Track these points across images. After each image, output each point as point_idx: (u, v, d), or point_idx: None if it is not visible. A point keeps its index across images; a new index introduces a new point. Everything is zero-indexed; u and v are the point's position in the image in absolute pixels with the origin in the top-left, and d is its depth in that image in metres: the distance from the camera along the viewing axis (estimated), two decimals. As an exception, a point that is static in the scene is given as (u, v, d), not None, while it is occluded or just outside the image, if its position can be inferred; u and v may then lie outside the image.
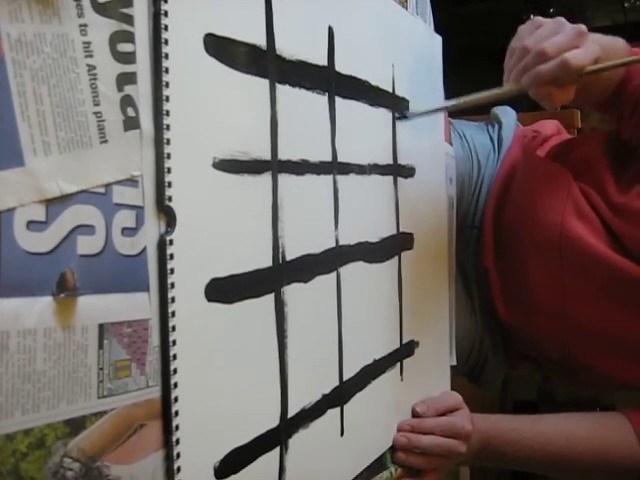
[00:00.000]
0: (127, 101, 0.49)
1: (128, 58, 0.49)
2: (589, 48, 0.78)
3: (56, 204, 0.44)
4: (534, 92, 0.80)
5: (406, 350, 0.93)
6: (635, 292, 0.96)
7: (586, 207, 1.00)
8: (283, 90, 0.66)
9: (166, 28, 0.51)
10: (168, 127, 0.51)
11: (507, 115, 1.24)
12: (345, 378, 0.77)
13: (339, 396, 0.76)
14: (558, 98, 0.81)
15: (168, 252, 0.51)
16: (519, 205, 1.08)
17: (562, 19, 0.80)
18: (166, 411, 0.52)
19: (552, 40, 0.78)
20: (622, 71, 0.95)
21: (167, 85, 0.51)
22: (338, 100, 0.75)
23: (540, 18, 0.82)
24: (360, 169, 0.80)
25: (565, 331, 1.04)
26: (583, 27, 0.79)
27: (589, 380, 1.14)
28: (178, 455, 0.52)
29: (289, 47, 0.67)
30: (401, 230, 0.91)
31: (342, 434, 0.77)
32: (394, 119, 0.89)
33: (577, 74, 0.78)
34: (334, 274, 0.75)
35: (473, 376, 1.22)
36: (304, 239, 0.69)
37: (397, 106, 0.90)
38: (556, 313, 1.03)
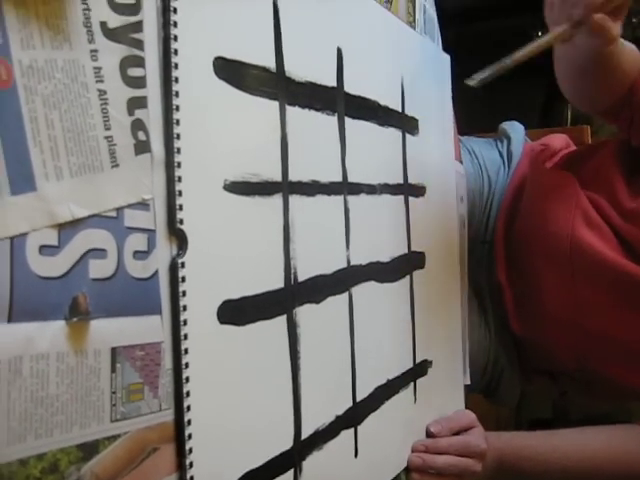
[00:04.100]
0: (138, 125, 0.49)
1: (138, 82, 0.49)
2: None
3: (68, 228, 0.44)
4: (591, 23, 0.80)
5: (419, 370, 0.93)
6: None
7: (595, 215, 1.00)
8: (293, 111, 0.66)
9: (176, 52, 0.52)
10: (179, 150, 0.52)
11: (515, 130, 1.24)
12: (359, 399, 0.76)
13: (353, 417, 0.76)
14: (614, 28, 0.82)
15: (180, 275, 0.51)
16: (528, 217, 1.08)
17: None
18: (179, 434, 0.51)
19: None
20: (632, 77, 0.96)
21: (177, 109, 0.52)
22: (348, 120, 0.76)
23: None
24: (370, 189, 0.80)
25: (580, 342, 1.03)
26: None
27: (606, 392, 1.14)
28: (192, 478, 0.52)
29: (298, 69, 0.67)
30: (412, 249, 0.91)
31: (356, 455, 0.76)
32: (404, 136, 0.89)
33: None
34: (346, 294, 0.74)
35: (489, 392, 1.21)
36: (316, 260, 0.69)
37: (406, 125, 0.90)
38: (570, 324, 1.03)
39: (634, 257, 0.96)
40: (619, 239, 0.98)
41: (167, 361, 0.51)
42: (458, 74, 1.08)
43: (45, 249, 0.43)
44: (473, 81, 0.86)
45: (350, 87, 0.76)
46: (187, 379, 0.52)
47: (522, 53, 0.85)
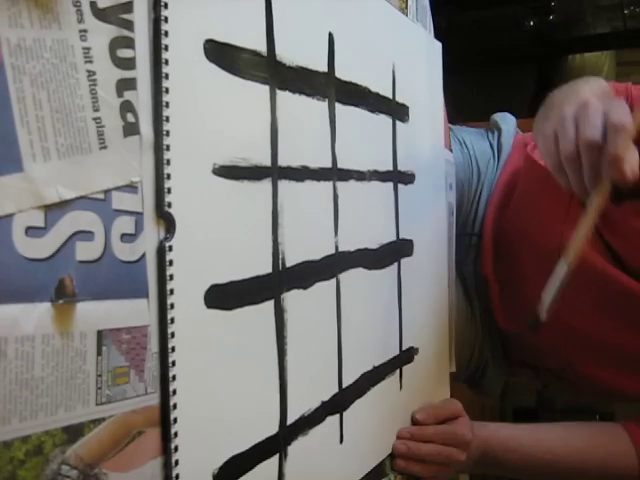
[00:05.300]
0: (127, 107, 0.49)
1: (128, 64, 0.49)
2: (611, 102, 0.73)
3: (55, 210, 0.44)
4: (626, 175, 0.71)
5: (406, 357, 0.93)
6: (631, 305, 0.96)
7: None
8: (283, 96, 0.66)
9: (166, 34, 0.51)
10: (168, 133, 0.51)
11: (507, 121, 1.24)
12: (344, 385, 0.76)
13: (338, 403, 0.76)
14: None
15: (167, 258, 0.51)
16: (520, 214, 1.08)
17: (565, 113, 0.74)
18: (165, 418, 0.51)
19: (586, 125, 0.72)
20: None
21: (167, 91, 0.51)
22: (338, 106, 0.75)
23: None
24: (360, 175, 0.80)
25: (563, 342, 1.04)
26: (583, 99, 0.73)
27: (587, 390, 1.14)
28: (177, 462, 0.52)
29: (289, 53, 0.66)
30: (401, 237, 0.91)
31: (341, 441, 0.76)
32: (394, 123, 0.89)
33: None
34: (334, 280, 0.74)
35: (473, 382, 1.21)
36: (304, 245, 0.69)
37: (397, 112, 0.90)
38: (554, 323, 1.03)
39: (619, 264, 0.97)
40: (606, 245, 0.99)
41: (153, 345, 0.51)
42: (449, 62, 1.08)
43: (31, 230, 0.43)
44: (544, 314, 0.78)
45: (341, 73, 0.76)
46: (173, 363, 0.52)
47: (575, 248, 0.78)
